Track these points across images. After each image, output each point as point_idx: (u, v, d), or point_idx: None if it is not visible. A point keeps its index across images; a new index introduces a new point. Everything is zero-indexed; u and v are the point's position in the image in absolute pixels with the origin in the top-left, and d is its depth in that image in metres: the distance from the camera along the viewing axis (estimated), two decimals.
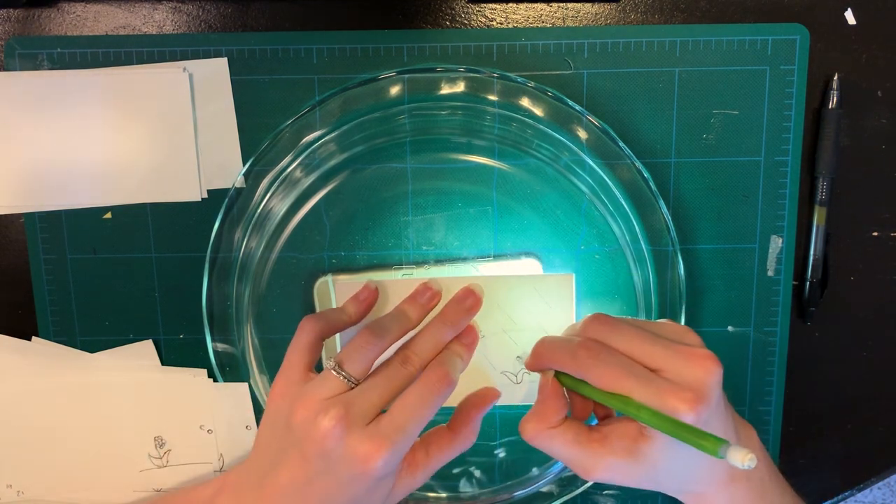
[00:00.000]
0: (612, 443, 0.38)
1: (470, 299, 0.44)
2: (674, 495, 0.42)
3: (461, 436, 0.42)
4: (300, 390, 0.40)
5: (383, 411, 0.40)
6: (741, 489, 0.41)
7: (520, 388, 0.47)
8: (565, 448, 0.39)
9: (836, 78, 0.49)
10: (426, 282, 0.45)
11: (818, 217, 0.50)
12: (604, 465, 0.38)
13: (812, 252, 0.50)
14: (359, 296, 0.45)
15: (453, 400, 0.46)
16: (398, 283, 0.46)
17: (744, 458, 0.32)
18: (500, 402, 0.46)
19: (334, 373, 0.40)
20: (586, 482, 0.50)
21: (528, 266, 0.50)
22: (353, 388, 0.39)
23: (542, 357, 0.41)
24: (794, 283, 0.51)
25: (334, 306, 0.49)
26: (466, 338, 0.44)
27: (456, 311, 0.44)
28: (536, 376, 0.46)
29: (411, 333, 0.43)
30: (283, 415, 0.40)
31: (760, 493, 0.41)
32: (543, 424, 0.40)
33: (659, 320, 0.43)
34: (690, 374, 0.37)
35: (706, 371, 0.36)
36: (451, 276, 0.50)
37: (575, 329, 0.42)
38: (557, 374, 0.41)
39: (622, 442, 0.38)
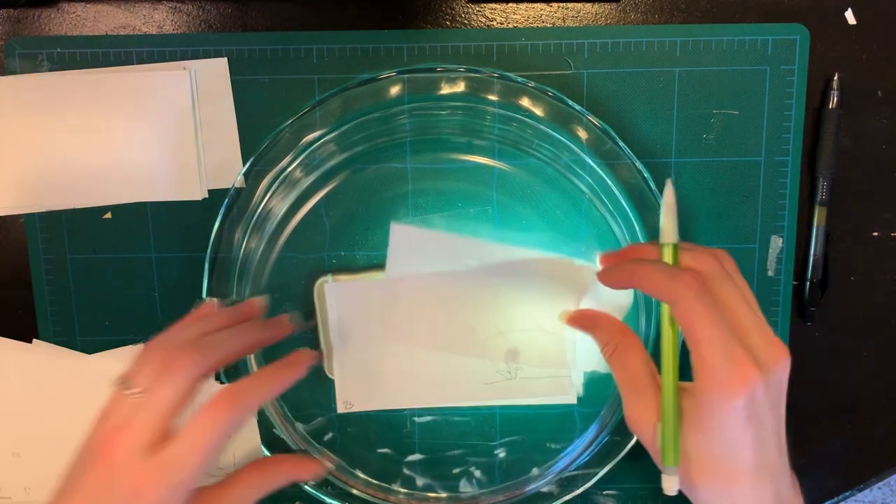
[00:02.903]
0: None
1: (303, 357, 0.41)
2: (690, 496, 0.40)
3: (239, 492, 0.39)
4: (98, 416, 0.37)
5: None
6: None
7: (512, 385, 0.47)
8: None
9: (836, 78, 0.49)
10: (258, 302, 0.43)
11: (818, 217, 0.50)
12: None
13: (812, 252, 0.50)
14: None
15: (441, 399, 0.46)
16: (398, 282, 0.46)
17: (669, 486, 0.32)
18: (495, 399, 0.46)
19: (122, 394, 0.37)
20: (586, 482, 0.50)
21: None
22: (139, 397, 0.36)
23: (634, 272, 0.37)
24: (794, 283, 0.51)
25: (331, 308, 0.49)
26: (287, 360, 0.41)
27: (262, 323, 0.42)
28: (531, 371, 0.46)
29: None
30: (84, 443, 0.38)
31: None
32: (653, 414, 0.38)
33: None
34: (767, 354, 0.35)
35: (781, 359, 0.35)
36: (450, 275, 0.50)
37: (668, 224, 0.38)
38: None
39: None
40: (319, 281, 0.51)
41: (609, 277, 0.39)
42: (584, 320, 0.41)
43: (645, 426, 0.38)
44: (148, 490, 0.35)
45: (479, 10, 0.49)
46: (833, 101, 0.49)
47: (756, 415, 0.35)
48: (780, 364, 0.36)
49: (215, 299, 0.43)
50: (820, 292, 0.51)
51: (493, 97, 0.49)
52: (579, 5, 0.49)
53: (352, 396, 0.45)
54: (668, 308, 0.37)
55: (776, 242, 0.51)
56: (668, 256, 0.38)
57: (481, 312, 0.46)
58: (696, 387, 0.35)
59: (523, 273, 0.47)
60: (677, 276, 0.35)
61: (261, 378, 0.39)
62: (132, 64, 0.49)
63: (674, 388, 0.37)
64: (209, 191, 0.50)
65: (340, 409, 0.45)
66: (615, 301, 0.42)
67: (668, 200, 0.38)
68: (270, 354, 0.46)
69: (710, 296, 0.35)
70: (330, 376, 0.50)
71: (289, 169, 0.49)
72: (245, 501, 0.39)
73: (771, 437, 0.37)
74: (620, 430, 0.50)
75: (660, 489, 0.37)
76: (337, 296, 0.49)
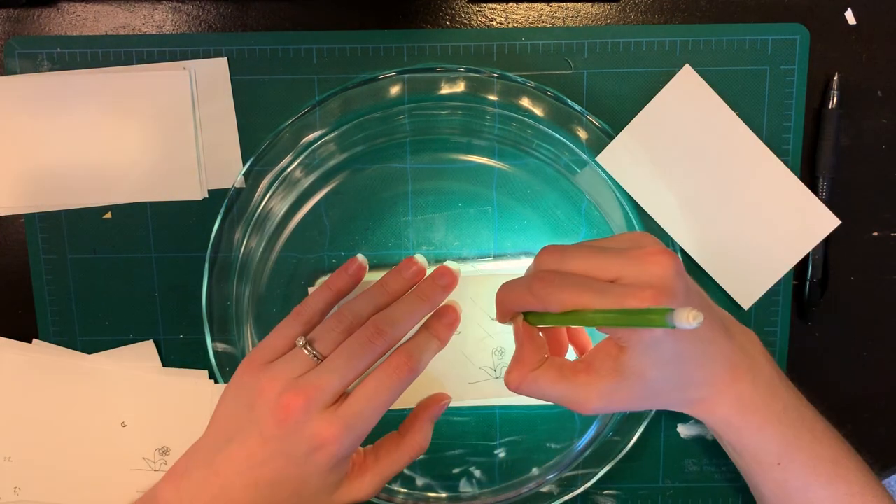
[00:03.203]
0: (596, 368, 0.38)
1: (446, 277, 0.44)
2: (679, 409, 0.41)
3: (410, 440, 0.42)
4: (268, 367, 0.40)
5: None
6: (747, 389, 0.40)
7: (498, 384, 0.47)
8: (552, 386, 0.38)
9: (836, 78, 0.49)
10: (411, 257, 0.45)
11: None
12: (596, 392, 0.38)
13: (812, 252, 0.50)
14: (347, 268, 0.45)
15: (419, 399, 0.46)
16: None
17: (689, 316, 0.30)
18: (480, 399, 0.46)
19: (305, 351, 0.40)
20: (586, 482, 0.50)
21: (528, 266, 0.50)
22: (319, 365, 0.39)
23: (502, 302, 0.41)
24: (794, 283, 0.51)
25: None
26: (446, 317, 0.43)
27: (432, 287, 0.43)
28: None
29: None
30: (246, 391, 0.40)
31: (770, 394, 0.40)
32: (525, 369, 0.39)
33: (615, 235, 0.42)
34: (646, 274, 0.36)
35: (662, 266, 0.36)
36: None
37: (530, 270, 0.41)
38: (526, 317, 0.40)
39: (605, 363, 0.38)
40: (319, 281, 0.51)
41: (499, 316, 0.43)
42: (500, 310, 0.42)
43: (590, 398, 0.39)
44: (331, 441, 0.38)
45: (479, 10, 0.49)
46: (833, 101, 0.49)
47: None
48: (665, 265, 0.36)
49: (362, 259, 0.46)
50: (820, 292, 0.51)
51: (493, 97, 0.49)
52: (579, 5, 0.49)
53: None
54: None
55: None
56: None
57: (469, 314, 0.46)
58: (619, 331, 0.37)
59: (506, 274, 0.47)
60: (530, 286, 0.38)
61: (431, 332, 0.42)
62: (132, 64, 0.49)
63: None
64: (209, 191, 0.50)
65: None
66: None
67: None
68: None
69: (563, 275, 0.37)
70: None
71: (289, 169, 0.49)
72: (393, 468, 0.42)
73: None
74: (620, 430, 0.50)
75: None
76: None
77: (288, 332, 0.42)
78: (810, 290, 0.51)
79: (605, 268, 0.37)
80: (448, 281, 0.44)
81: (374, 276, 0.50)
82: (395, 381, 0.39)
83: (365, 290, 0.43)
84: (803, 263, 0.51)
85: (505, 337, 0.46)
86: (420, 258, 0.45)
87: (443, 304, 0.44)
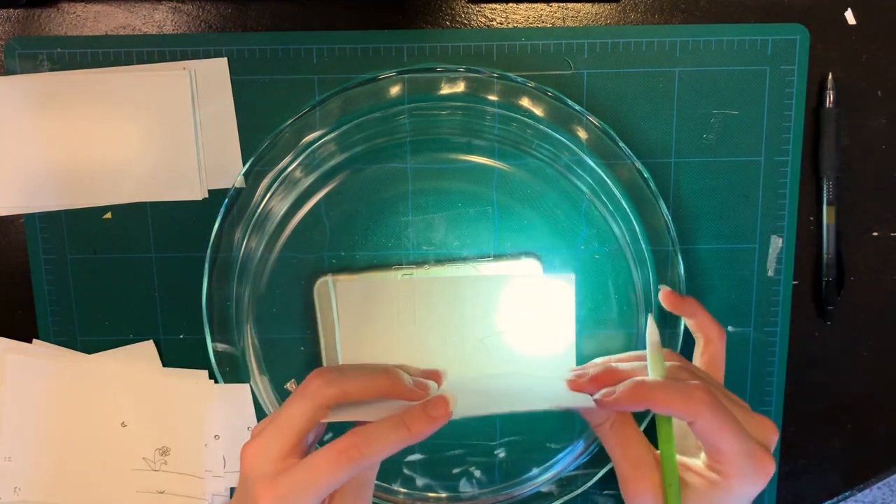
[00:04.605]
0: None
1: (440, 409, 0.37)
2: None
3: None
4: (273, 480, 0.37)
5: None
6: None
7: (514, 394, 0.47)
8: None
9: (830, 77, 0.49)
10: (447, 399, 0.38)
11: (828, 216, 0.50)
12: None
13: (825, 251, 0.50)
14: (424, 400, 0.38)
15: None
16: (398, 283, 0.46)
17: None
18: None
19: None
20: (586, 482, 0.50)
21: (528, 266, 0.50)
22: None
23: (645, 394, 0.38)
24: (794, 282, 0.51)
25: (334, 306, 0.49)
26: (434, 409, 0.37)
27: (421, 420, 0.37)
28: (540, 377, 0.46)
29: None
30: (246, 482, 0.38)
31: None
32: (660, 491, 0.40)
33: (752, 412, 0.41)
34: (761, 436, 0.39)
35: (760, 480, 0.38)
36: (451, 275, 0.50)
37: (657, 361, 0.40)
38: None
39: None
40: (319, 281, 0.51)
41: (615, 402, 0.39)
42: (633, 400, 0.39)
43: (644, 499, 0.40)
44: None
45: (479, 10, 0.49)
46: (829, 101, 0.49)
47: (752, 493, 0.39)
48: (774, 440, 0.40)
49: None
50: (837, 290, 0.51)
51: (493, 97, 0.49)
52: (579, 5, 0.49)
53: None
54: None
55: (776, 242, 0.51)
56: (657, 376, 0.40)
57: (490, 317, 0.45)
58: (714, 475, 0.39)
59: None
60: (691, 396, 0.38)
61: (394, 428, 0.37)
62: (132, 64, 0.49)
63: (674, 469, 0.40)
64: (209, 191, 0.50)
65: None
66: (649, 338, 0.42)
67: (653, 340, 0.41)
68: None
69: (722, 404, 0.38)
70: None
71: (289, 169, 0.49)
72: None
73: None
74: None
75: None
76: (343, 294, 0.49)
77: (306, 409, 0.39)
78: (827, 290, 0.51)
79: (730, 445, 0.38)
80: (440, 415, 0.37)
81: (374, 276, 0.50)
82: (335, 466, 0.36)
83: (386, 421, 0.37)
84: (815, 263, 0.51)
85: (529, 344, 0.45)
86: (452, 400, 0.38)
87: (437, 394, 0.39)
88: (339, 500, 0.39)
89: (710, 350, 0.44)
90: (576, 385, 0.41)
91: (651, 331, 0.41)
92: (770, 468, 0.38)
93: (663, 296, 0.46)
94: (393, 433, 0.37)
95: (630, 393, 0.38)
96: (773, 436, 0.40)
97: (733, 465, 0.38)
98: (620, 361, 0.43)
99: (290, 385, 0.50)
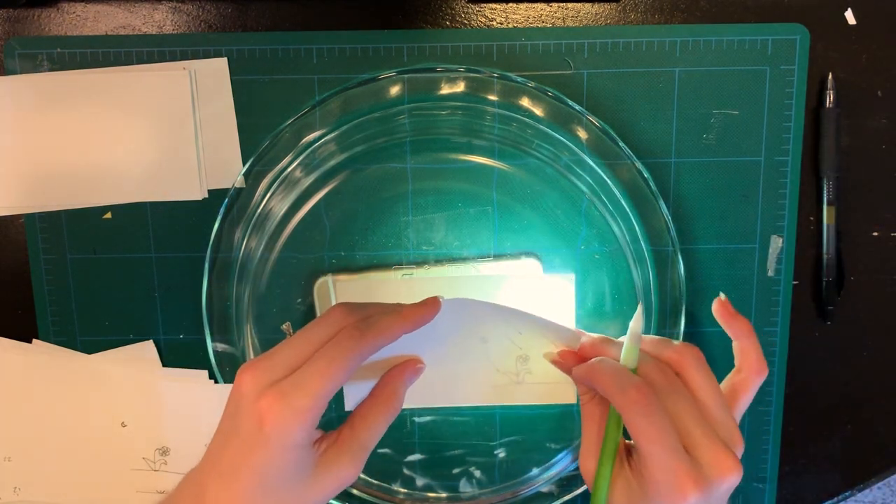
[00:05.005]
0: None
1: (430, 300, 0.41)
2: None
3: (383, 402, 0.40)
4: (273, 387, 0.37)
5: None
6: None
7: (520, 388, 0.47)
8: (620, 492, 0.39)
9: (830, 77, 0.49)
10: (439, 304, 0.41)
11: (828, 216, 0.50)
12: None
13: (825, 251, 0.50)
14: (421, 310, 0.41)
15: (446, 400, 0.46)
16: (398, 283, 0.46)
17: None
18: (502, 403, 0.46)
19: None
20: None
21: (528, 266, 0.50)
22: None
23: (593, 374, 0.39)
24: (795, 282, 0.51)
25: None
26: (425, 303, 0.41)
27: (413, 307, 0.40)
28: (541, 377, 0.46)
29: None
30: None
31: None
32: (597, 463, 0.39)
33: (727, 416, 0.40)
34: (712, 470, 0.36)
35: (726, 476, 0.36)
36: (450, 275, 0.50)
37: (629, 350, 0.40)
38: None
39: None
40: (319, 281, 0.51)
41: (574, 374, 0.41)
42: (585, 375, 0.41)
43: (592, 475, 0.40)
44: (269, 416, 0.35)
45: (479, 10, 0.49)
46: (829, 101, 0.49)
47: None
48: (726, 480, 0.36)
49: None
50: (837, 291, 0.51)
51: (493, 97, 0.49)
52: (579, 5, 0.49)
53: (361, 396, 0.45)
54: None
55: (776, 242, 0.51)
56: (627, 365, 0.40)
57: (493, 322, 0.45)
58: (641, 479, 0.37)
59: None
60: (626, 390, 0.37)
61: (392, 316, 0.39)
62: (132, 64, 0.49)
63: (610, 454, 0.39)
64: (209, 191, 0.50)
65: (348, 407, 0.46)
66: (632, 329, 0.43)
67: (633, 328, 0.40)
68: None
69: (658, 410, 0.37)
70: None
71: (289, 169, 0.49)
72: (370, 436, 0.39)
73: None
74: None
75: None
76: (343, 294, 0.49)
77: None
78: (827, 290, 0.51)
79: (695, 431, 0.37)
80: (431, 301, 0.41)
81: (374, 276, 0.50)
82: (336, 350, 0.36)
83: (383, 310, 0.40)
84: (815, 263, 0.51)
85: (530, 344, 0.46)
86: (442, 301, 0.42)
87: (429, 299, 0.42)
88: (334, 455, 0.38)
89: (736, 379, 0.41)
90: (562, 358, 0.43)
91: (635, 320, 0.41)
92: (689, 492, 0.35)
93: (718, 305, 0.42)
94: (389, 318, 0.39)
95: (582, 370, 0.40)
96: (722, 473, 0.36)
97: (651, 474, 0.36)
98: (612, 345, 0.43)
99: (285, 327, 0.49)
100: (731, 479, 0.36)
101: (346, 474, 0.38)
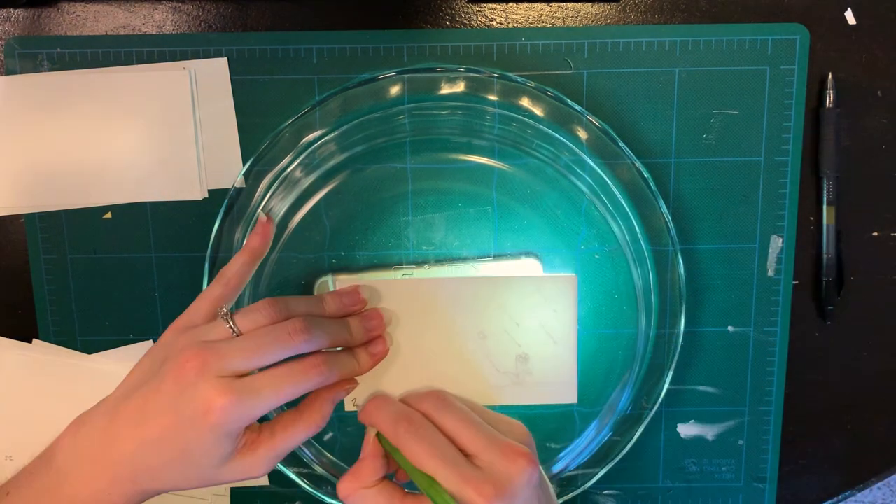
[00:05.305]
0: None
1: (374, 321, 0.44)
2: None
3: (307, 417, 0.41)
4: (189, 329, 0.40)
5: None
6: None
7: (521, 389, 0.47)
8: None
9: (830, 77, 0.49)
10: (358, 286, 0.45)
11: (828, 216, 0.50)
12: None
13: (825, 251, 0.50)
14: (256, 228, 0.47)
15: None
16: (398, 283, 0.46)
17: None
18: (502, 403, 0.46)
19: (225, 322, 0.39)
20: (586, 482, 0.50)
21: (528, 266, 0.50)
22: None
23: (367, 413, 0.41)
24: (795, 282, 0.51)
25: None
26: (374, 348, 0.44)
27: (358, 327, 0.44)
28: (541, 377, 0.46)
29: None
30: (163, 349, 0.40)
31: None
32: (357, 483, 0.39)
33: (500, 415, 0.42)
34: (502, 467, 0.37)
35: (518, 467, 0.37)
36: (450, 276, 0.50)
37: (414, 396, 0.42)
38: (379, 435, 0.40)
39: None
40: (319, 281, 0.51)
41: (361, 417, 0.42)
42: (363, 416, 0.42)
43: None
44: (218, 409, 0.36)
45: (479, 10, 0.49)
46: (829, 101, 0.49)
47: None
48: (521, 469, 0.37)
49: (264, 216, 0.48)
50: (837, 291, 0.51)
51: (493, 97, 0.49)
52: (579, 5, 0.49)
53: (360, 396, 0.45)
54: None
55: (776, 242, 0.51)
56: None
57: (491, 317, 0.46)
58: None
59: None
60: (397, 421, 0.39)
61: (354, 356, 0.43)
62: (132, 64, 0.49)
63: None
64: (209, 191, 0.50)
65: (348, 407, 0.46)
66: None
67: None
68: None
69: (429, 429, 0.38)
70: None
71: (289, 169, 0.49)
72: (288, 444, 0.41)
73: None
74: (620, 430, 0.50)
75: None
76: None
77: (212, 294, 0.43)
78: (827, 290, 0.51)
79: (471, 440, 0.38)
80: (374, 325, 0.44)
81: (374, 277, 0.50)
82: (302, 378, 0.39)
83: (303, 297, 0.43)
84: (815, 263, 0.51)
85: (530, 344, 0.46)
86: (365, 290, 0.45)
87: (378, 336, 0.45)
88: (251, 453, 0.39)
89: None
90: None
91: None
92: (487, 494, 0.36)
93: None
94: (350, 364, 0.43)
95: (364, 406, 0.42)
96: (514, 465, 0.37)
97: (449, 492, 0.37)
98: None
99: (261, 214, 0.49)
100: (526, 464, 0.37)
101: (255, 473, 0.40)
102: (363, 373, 0.44)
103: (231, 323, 0.39)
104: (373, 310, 0.45)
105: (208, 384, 0.37)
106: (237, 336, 0.39)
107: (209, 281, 0.49)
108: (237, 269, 0.44)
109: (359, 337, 0.44)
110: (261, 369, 0.39)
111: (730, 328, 0.52)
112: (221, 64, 0.49)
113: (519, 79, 0.48)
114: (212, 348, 0.38)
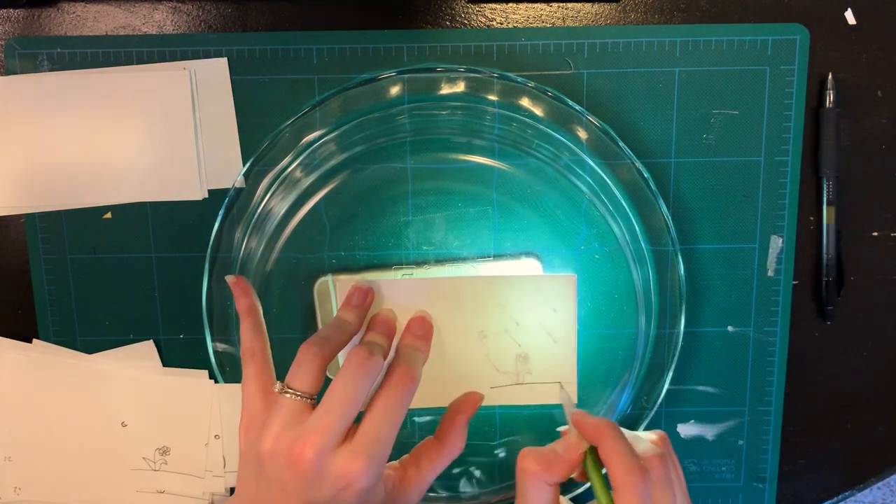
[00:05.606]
0: None
1: (424, 327, 0.44)
2: None
3: (449, 445, 0.42)
4: (262, 429, 0.39)
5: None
6: None
7: (522, 389, 0.47)
8: None
9: (830, 77, 0.49)
10: (355, 284, 0.43)
11: (828, 216, 0.50)
12: None
13: (825, 251, 0.50)
14: (350, 300, 0.43)
15: (445, 400, 0.46)
16: (398, 283, 0.46)
17: None
18: (502, 403, 0.46)
19: (287, 395, 0.38)
20: (586, 482, 0.50)
21: (528, 266, 0.50)
22: (309, 404, 0.38)
23: (600, 436, 0.39)
24: (794, 282, 0.51)
25: (335, 306, 0.49)
26: (419, 329, 0.44)
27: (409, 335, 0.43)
28: (541, 377, 0.46)
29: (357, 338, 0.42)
30: (253, 458, 0.39)
31: None
32: (544, 471, 0.39)
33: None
34: None
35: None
36: (451, 275, 0.50)
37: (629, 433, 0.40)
38: (590, 452, 0.40)
39: None
40: (319, 281, 0.51)
41: (582, 424, 0.40)
42: (593, 436, 0.40)
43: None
44: (357, 477, 0.36)
45: (479, 10, 0.49)
46: (829, 101, 0.49)
47: None
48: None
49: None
50: (837, 291, 0.51)
51: (492, 97, 0.49)
52: (579, 5, 0.49)
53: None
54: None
55: (776, 242, 0.51)
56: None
57: (491, 317, 0.46)
58: None
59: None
60: (632, 471, 0.37)
61: (412, 346, 0.42)
62: (132, 64, 0.49)
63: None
64: (209, 191, 0.50)
65: None
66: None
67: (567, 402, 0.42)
68: None
69: (647, 498, 0.37)
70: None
71: (289, 169, 0.49)
72: (434, 474, 0.42)
73: None
74: None
75: None
76: (343, 294, 0.49)
77: (250, 375, 0.42)
78: (827, 290, 0.51)
79: None
80: (424, 331, 0.44)
81: (374, 277, 0.50)
82: (401, 395, 0.39)
83: (324, 325, 0.42)
84: (816, 263, 0.51)
85: (530, 344, 0.46)
86: (363, 283, 0.44)
87: (415, 315, 0.44)
88: (402, 493, 0.40)
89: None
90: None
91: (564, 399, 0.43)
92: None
93: (575, 418, 0.41)
94: (409, 349, 0.42)
95: (594, 423, 0.40)
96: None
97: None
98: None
99: (227, 277, 0.46)
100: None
101: None
102: (428, 355, 0.43)
103: (294, 392, 0.38)
104: (388, 310, 0.44)
105: (334, 463, 0.37)
106: (309, 399, 0.38)
107: (209, 281, 0.49)
108: (251, 336, 0.43)
109: (394, 327, 0.43)
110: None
111: (730, 328, 0.52)
112: (221, 64, 0.49)
113: (519, 79, 0.48)
114: (310, 430, 0.37)
